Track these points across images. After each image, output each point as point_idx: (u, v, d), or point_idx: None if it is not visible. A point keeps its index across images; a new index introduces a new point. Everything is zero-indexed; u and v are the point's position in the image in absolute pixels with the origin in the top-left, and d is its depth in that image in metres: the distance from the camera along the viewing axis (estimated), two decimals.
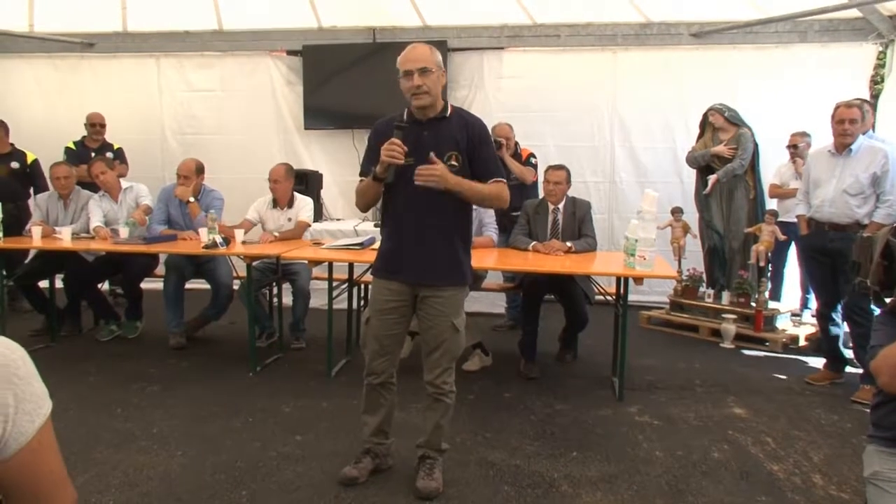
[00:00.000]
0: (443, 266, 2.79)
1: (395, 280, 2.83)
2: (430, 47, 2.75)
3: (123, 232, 4.95)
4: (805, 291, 5.64)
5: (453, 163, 2.74)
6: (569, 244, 4.51)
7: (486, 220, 4.77)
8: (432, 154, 2.66)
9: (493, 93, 6.68)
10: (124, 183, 5.37)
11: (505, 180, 2.88)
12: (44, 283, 5.28)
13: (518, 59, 6.67)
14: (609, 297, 4.52)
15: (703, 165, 5.56)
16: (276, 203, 5.16)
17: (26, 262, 5.36)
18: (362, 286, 4.91)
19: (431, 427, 2.92)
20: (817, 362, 4.65)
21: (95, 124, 6.21)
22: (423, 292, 2.80)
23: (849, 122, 4.13)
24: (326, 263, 4.37)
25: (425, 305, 2.81)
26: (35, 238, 4.85)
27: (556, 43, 6.59)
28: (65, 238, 4.84)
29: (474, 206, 4.89)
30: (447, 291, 2.80)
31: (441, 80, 2.74)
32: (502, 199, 2.87)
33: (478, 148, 2.79)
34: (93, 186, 5.50)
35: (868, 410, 3.79)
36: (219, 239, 4.53)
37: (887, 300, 2.00)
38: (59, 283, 5.31)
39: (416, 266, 2.78)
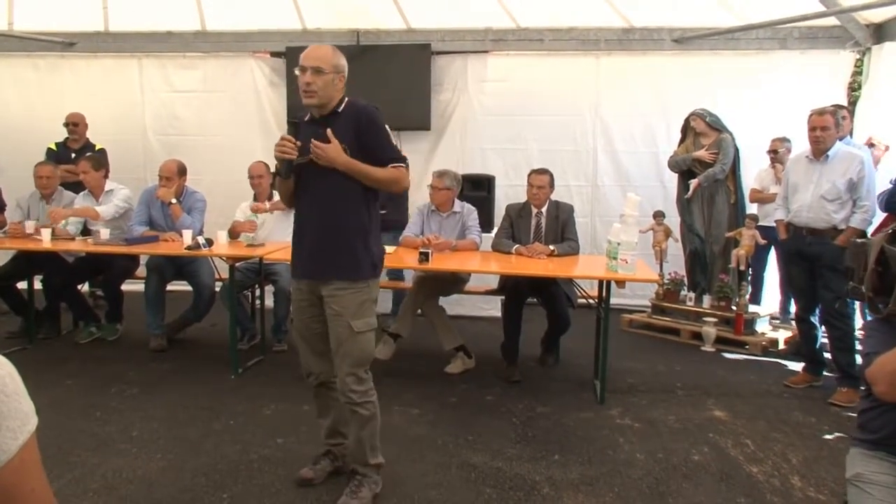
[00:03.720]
0: (334, 262, 2.69)
1: (301, 279, 2.82)
2: (333, 50, 2.72)
3: (104, 233, 4.90)
4: (785, 295, 5.71)
5: None
6: (551, 247, 4.53)
7: (469, 224, 4.79)
8: (329, 130, 2.63)
9: (476, 96, 6.68)
10: (108, 185, 5.31)
11: (404, 165, 2.79)
12: (22, 285, 5.21)
13: (502, 63, 6.67)
14: (591, 301, 4.55)
15: (685, 170, 5.61)
16: (255, 199, 5.25)
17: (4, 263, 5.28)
18: None
19: (353, 440, 2.83)
20: (796, 365, 4.71)
21: (69, 124, 6.11)
22: (322, 291, 2.73)
23: (821, 130, 4.18)
24: None
25: (325, 306, 2.74)
26: (45, 240, 4.78)
27: (540, 47, 6.61)
28: (44, 238, 4.78)
29: (453, 210, 4.88)
30: (341, 290, 2.69)
31: (337, 84, 2.68)
32: (400, 183, 2.80)
33: (366, 135, 2.70)
34: (75, 187, 5.46)
35: (842, 412, 3.87)
36: (201, 240, 4.51)
37: (881, 307, 1.98)
38: (37, 285, 5.23)
39: (311, 264, 2.75)
